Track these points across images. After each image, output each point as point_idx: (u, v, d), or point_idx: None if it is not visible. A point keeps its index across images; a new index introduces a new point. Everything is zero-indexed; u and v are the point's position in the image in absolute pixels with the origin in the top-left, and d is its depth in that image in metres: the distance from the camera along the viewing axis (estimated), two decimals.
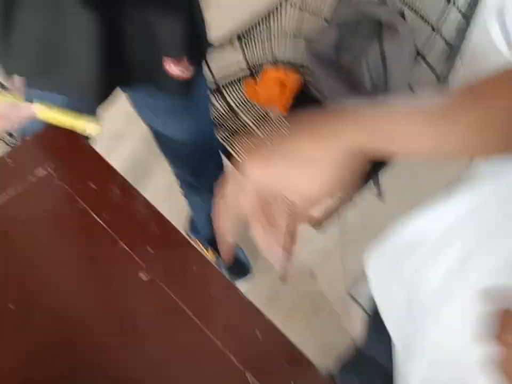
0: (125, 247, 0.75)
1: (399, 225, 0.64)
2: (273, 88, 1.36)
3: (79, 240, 0.78)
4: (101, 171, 0.84)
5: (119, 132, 1.80)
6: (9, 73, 0.83)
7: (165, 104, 0.98)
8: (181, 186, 1.33)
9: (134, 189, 0.82)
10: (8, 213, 0.79)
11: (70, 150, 0.86)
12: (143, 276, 0.73)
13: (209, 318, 0.70)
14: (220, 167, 1.26)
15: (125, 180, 0.82)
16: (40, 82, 0.84)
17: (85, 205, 0.79)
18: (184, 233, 1.55)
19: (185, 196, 1.38)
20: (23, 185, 0.81)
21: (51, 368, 0.66)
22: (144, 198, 0.80)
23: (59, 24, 0.76)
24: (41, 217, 0.79)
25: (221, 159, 1.27)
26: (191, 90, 0.95)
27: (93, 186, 0.82)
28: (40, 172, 0.82)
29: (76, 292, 0.72)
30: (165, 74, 0.86)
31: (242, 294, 0.72)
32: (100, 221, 0.78)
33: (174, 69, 0.85)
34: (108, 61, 0.80)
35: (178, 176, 1.29)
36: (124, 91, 0.99)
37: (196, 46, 0.88)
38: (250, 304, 0.71)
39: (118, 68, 0.84)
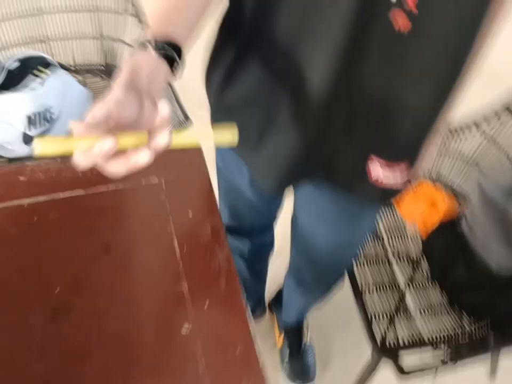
0: (186, 288, 0.69)
1: None
2: (422, 203, 1.23)
3: (148, 257, 0.74)
4: (204, 206, 0.81)
5: None
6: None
7: (330, 208, 0.80)
8: (292, 274, 1.15)
9: (225, 236, 0.76)
10: (105, 201, 0.79)
11: (188, 169, 0.84)
12: (185, 328, 0.66)
13: None
14: (340, 281, 1.09)
15: (220, 220, 0.78)
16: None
17: (172, 230, 0.76)
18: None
19: (288, 282, 1.20)
20: (130, 184, 0.80)
21: None
22: (228, 250, 0.74)
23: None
24: (130, 219, 0.78)
25: (344, 274, 1.10)
26: (389, 200, 0.75)
27: (190, 215, 0.78)
28: (153, 179, 0.81)
29: (116, 307, 0.68)
30: (365, 178, 0.68)
31: None
32: (177, 253, 0.73)
33: (381, 173, 0.67)
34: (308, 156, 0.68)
35: (297, 268, 1.10)
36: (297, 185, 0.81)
37: (418, 148, 0.68)
38: None
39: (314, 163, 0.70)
